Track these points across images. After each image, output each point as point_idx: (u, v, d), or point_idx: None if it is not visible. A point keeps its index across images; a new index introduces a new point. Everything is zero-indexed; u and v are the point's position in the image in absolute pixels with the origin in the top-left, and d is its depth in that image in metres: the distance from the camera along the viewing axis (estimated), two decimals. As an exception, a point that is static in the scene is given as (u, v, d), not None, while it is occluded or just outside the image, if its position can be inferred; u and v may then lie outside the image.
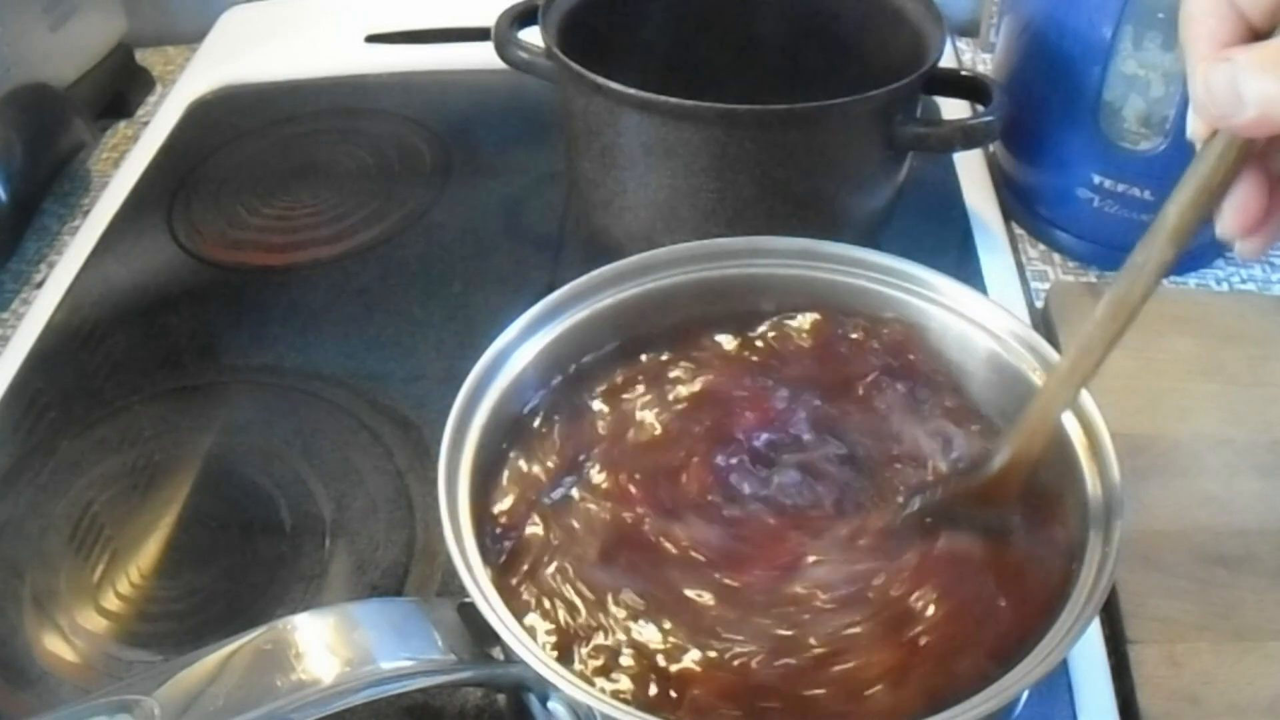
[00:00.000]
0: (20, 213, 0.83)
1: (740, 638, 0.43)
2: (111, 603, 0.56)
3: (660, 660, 0.42)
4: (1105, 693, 0.52)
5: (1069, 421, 0.47)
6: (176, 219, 0.81)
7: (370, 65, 0.96)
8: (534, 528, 0.47)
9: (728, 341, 0.55)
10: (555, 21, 0.69)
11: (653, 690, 0.42)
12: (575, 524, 0.47)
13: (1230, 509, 0.59)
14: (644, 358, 0.55)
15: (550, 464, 0.50)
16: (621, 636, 0.43)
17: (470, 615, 0.43)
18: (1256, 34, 0.33)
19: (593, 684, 0.42)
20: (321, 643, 0.42)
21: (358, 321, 0.72)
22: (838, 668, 0.42)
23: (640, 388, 0.53)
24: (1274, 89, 0.31)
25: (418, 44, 0.98)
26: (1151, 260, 0.40)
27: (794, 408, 0.51)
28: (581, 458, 0.50)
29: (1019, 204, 0.81)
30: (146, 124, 0.94)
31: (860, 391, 0.52)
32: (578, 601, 0.45)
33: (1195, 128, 0.36)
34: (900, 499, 0.47)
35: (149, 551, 0.58)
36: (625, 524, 0.47)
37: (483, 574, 0.43)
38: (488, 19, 0.72)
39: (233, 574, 0.57)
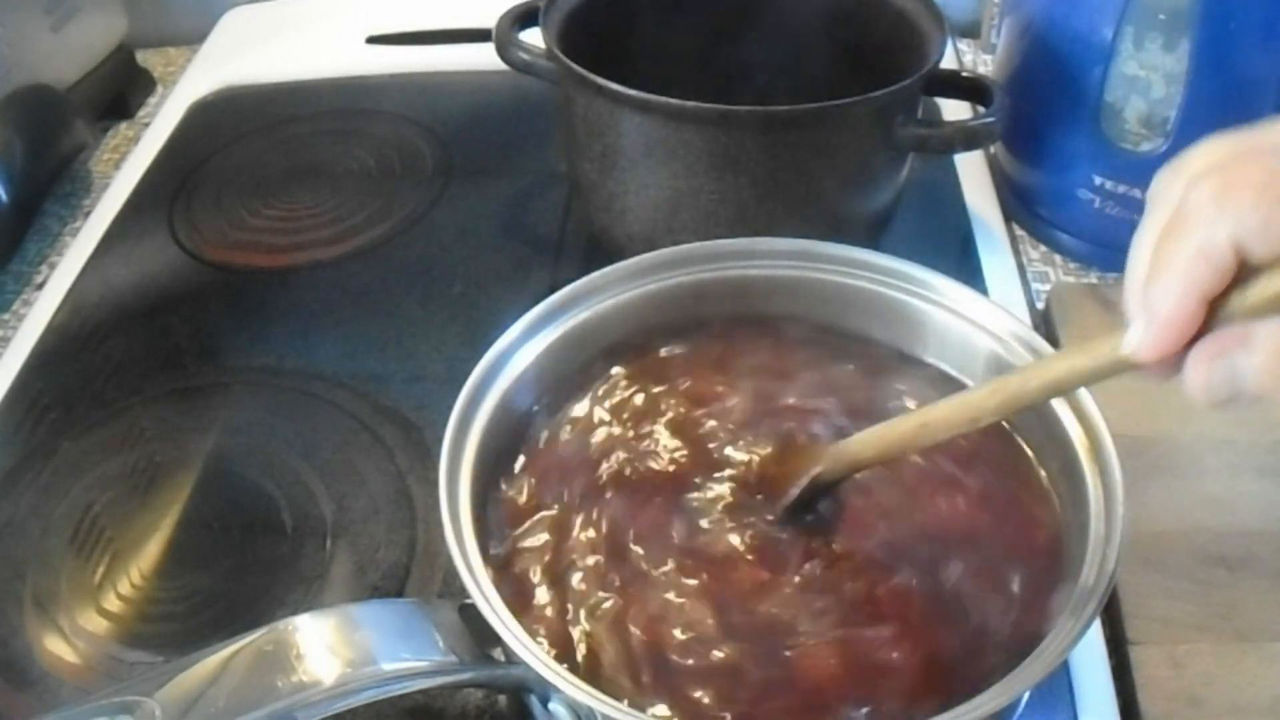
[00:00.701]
0: (21, 214, 0.83)
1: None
2: (112, 604, 0.56)
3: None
4: (1106, 694, 0.52)
5: (1069, 422, 0.48)
6: (177, 220, 0.81)
7: (371, 66, 0.96)
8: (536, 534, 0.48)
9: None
10: (556, 23, 0.69)
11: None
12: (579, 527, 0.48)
13: (1232, 510, 0.59)
14: (645, 361, 0.55)
15: (553, 472, 0.50)
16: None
17: (471, 616, 0.43)
18: (1241, 272, 0.33)
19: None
20: (323, 644, 0.42)
21: (359, 322, 0.72)
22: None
23: (640, 393, 0.53)
24: (1272, 383, 0.33)
25: (418, 45, 0.98)
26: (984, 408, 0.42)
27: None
28: (584, 467, 0.50)
29: (1020, 205, 0.81)
30: (147, 125, 0.94)
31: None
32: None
33: (1146, 346, 0.35)
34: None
35: (150, 552, 0.58)
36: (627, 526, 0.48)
37: (484, 575, 0.43)
38: (489, 20, 0.72)
39: (234, 575, 0.57)
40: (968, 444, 0.50)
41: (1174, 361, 0.35)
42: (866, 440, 0.46)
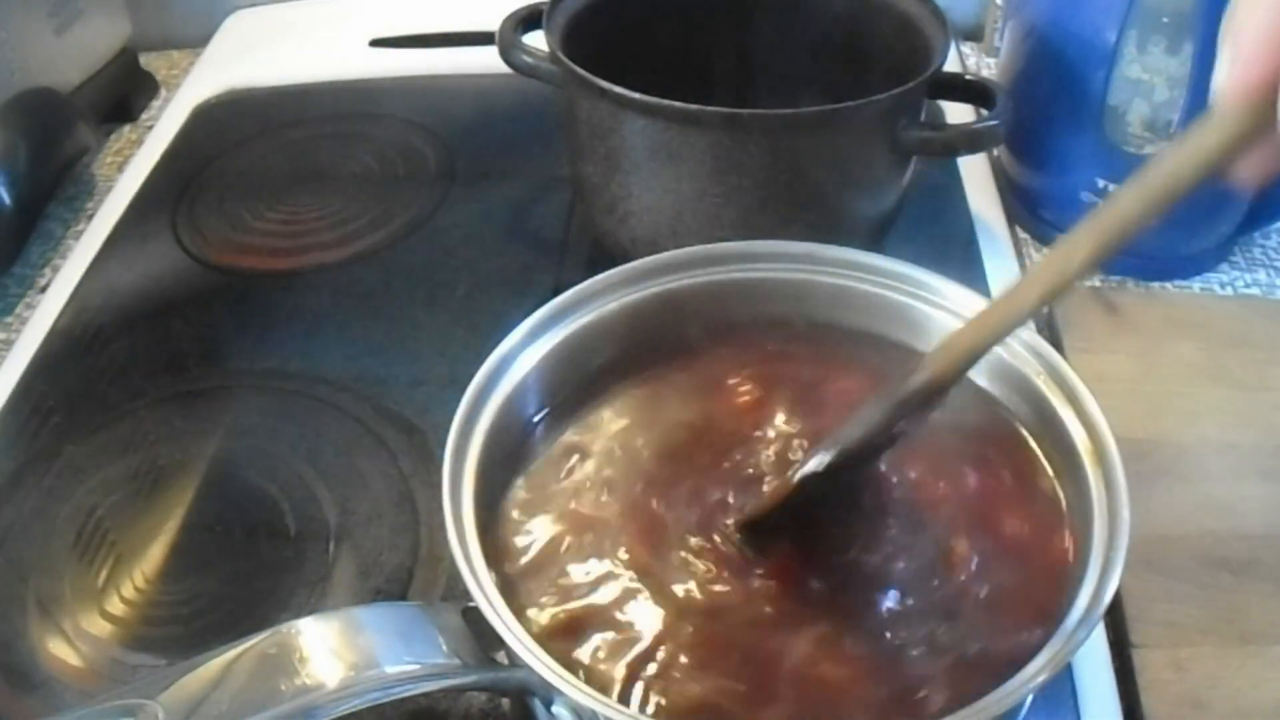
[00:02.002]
0: (24, 217, 0.83)
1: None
2: (116, 607, 0.56)
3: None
4: (1109, 698, 0.52)
5: (1072, 425, 0.47)
6: (181, 223, 0.81)
7: (374, 70, 0.96)
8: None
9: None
10: (560, 26, 0.69)
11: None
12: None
13: (1235, 513, 0.58)
14: (647, 364, 0.55)
15: (555, 475, 0.50)
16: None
17: (474, 619, 0.43)
18: None
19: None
20: (326, 647, 0.42)
21: (362, 326, 0.72)
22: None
23: (642, 394, 0.53)
24: None
25: (422, 48, 0.98)
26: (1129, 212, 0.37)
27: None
28: (586, 468, 0.50)
29: (1023, 208, 0.81)
30: (151, 128, 0.94)
31: None
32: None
33: (1232, 83, 0.32)
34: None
35: (153, 556, 0.58)
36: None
37: (487, 578, 0.43)
38: (492, 23, 0.72)
39: (237, 578, 0.57)
40: (971, 445, 0.50)
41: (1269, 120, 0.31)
42: (966, 333, 0.44)
